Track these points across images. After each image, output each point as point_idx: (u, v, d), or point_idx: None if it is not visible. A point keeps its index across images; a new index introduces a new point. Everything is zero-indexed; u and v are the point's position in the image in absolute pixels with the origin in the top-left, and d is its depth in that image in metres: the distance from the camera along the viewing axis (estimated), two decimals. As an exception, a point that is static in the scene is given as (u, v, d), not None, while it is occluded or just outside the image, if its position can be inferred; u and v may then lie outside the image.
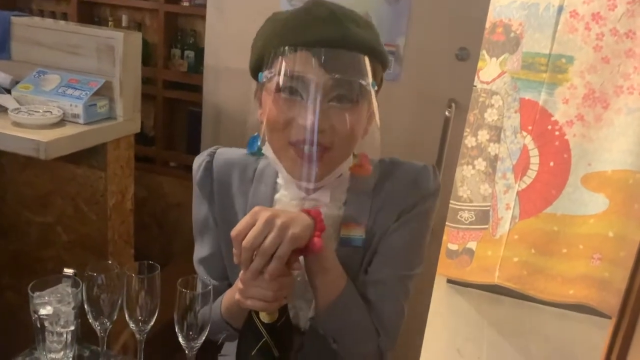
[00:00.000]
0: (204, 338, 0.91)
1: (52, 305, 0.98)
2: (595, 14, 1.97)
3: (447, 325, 2.47)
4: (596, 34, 1.99)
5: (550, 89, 2.10)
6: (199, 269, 0.98)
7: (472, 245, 2.37)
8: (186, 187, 2.46)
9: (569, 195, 2.18)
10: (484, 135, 2.20)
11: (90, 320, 0.96)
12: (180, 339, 0.91)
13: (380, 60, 0.80)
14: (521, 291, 2.40)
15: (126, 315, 0.95)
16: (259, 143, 0.84)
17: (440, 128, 1.72)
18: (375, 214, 0.86)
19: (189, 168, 2.50)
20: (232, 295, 0.84)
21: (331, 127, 0.75)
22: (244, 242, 0.68)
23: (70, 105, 1.49)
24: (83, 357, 1.02)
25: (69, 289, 0.97)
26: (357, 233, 0.86)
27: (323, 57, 0.72)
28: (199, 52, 2.33)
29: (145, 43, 2.35)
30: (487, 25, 1.91)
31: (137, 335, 0.95)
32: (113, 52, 1.54)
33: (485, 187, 2.26)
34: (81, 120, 1.49)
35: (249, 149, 0.85)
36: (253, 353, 0.72)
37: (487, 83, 2.15)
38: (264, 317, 0.72)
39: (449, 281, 2.57)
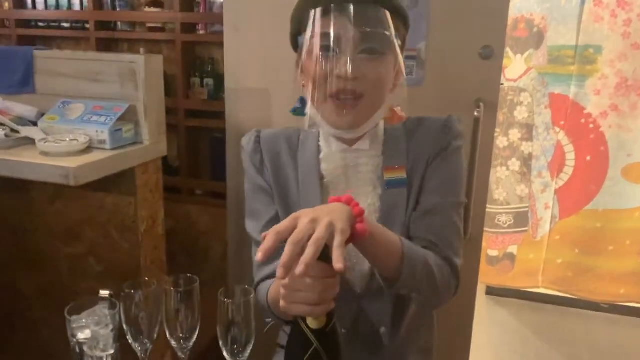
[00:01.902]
0: (249, 351, 0.87)
1: (90, 329, 0.94)
2: (620, 0, 1.91)
3: (490, 338, 2.38)
4: (623, 20, 1.93)
5: (580, 81, 2.03)
6: (255, 235, 1.04)
7: (512, 249, 2.28)
8: (213, 214, 2.47)
9: (610, 189, 2.09)
10: (515, 134, 2.13)
11: (130, 341, 0.93)
12: (225, 354, 0.87)
13: (402, 16, 0.93)
14: (568, 294, 2.29)
15: (167, 333, 0.91)
16: (300, 106, 0.96)
17: (471, 129, 1.67)
18: (412, 158, 0.98)
19: (215, 195, 2.49)
20: (277, 286, 0.85)
21: (363, 75, 0.88)
22: (291, 238, 0.65)
23: (96, 131, 1.49)
24: (125, 380, 0.97)
25: (106, 311, 0.94)
26: (399, 175, 0.97)
27: (351, 15, 0.84)
28: (218, 79, 2.34)
29: (164, 75, 2.38)
30: (509, 21, 1.87)
31: (180, 354, 0.91)
32: (135, 76, 1.55)
33: (521, 187, 2.18)
34: (108, 146, 1.49)
35: (293, 112, 0.97)
36: None
37: (514, 80, 2.09)
38: (311, 322, 0.70)
39: (488, 292, 2.49)
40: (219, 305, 0.84)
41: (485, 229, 2.01)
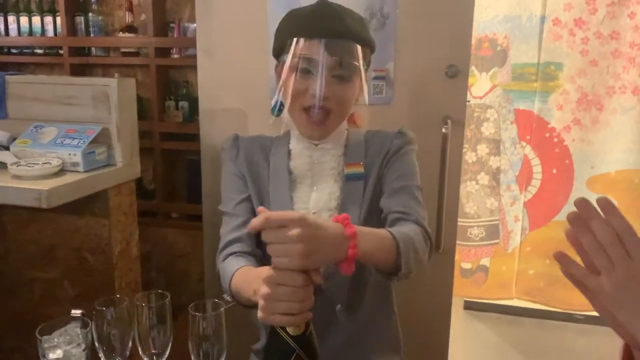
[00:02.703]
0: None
1: (62, 348, 0.95)
2: (577, 19, 2.00)
3: (468, 352, 2.40)
4: (581, 38, 2.02)
5: (543, 97, 2.11)
6: (228, 209, 1.14)
7: (485, 261, 2.33)
8: (190, 236, 2.47)
9: (576, 200, 2.16)
10: (483, 149, 2.20)
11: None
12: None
13: (369, 46, 1.09)
14: (541, 304, 2.33)
15: (139, 350, 0.92)
16: (278, 106, 1.11)
17: (440, 146, 1.72)
18: (369, 155, 1.13)
19: (191, 217, 2.49)
20: (247, 288, 0.88)
21: (332, 96, 1.04)
22: (272, 218, 0.72)
23: (69, 154, 1.50)
24: (97, 400, 0.98)
25: (78, 330, 0.94)
26: (357, 169, 1.12)
27: (328, 45, 1.00)
28: (193, 102, 2.36)
29: (139, 99, 2.39)
30: (473, 41, 1.94)
31: (152, 370, 0.91)
32: (108, 99, 1.57)
33: (491, 201, 2.24)
34: (81, 168, 1.50)
35: (272, 111, 1.13)
36: None
37: (480, 98, 2.16)
38: (292, 330, 0.72)
39: (466, 307, 2.52)
40: (190, 319, 0.85)
41: (458, 242, 2.05)
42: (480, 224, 2.28)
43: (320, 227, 0.75)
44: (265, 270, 0.74)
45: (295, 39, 1.02)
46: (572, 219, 0.66)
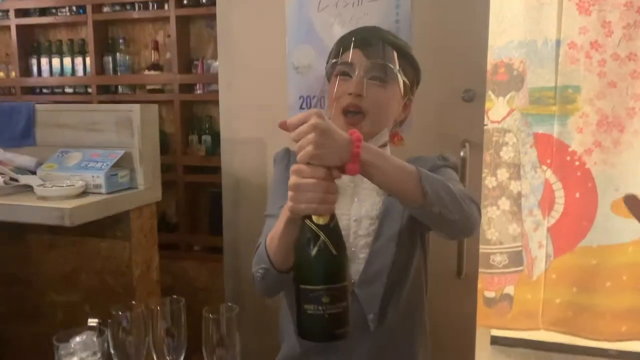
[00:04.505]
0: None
1: (78, 356, 0.95)
2: (593, 42, 2.02)
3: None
4: (598, 61, 2.02)
5: (563, 120, 2.11)
6: (272, 212, 1.14)
7: (509, 290, 2.27)
8: (211, 270, 2.47)
9: (601, 224, 2.12)
10: (503, 173, 2.18)
11: (117, 366, 0.93)
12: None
13: (409, 61, 1.14)
14: (570, 335, 2.26)
15: (154, 356, 0.92)
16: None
17: (459, 170, 1.72)
18: None
19: (213, 250, 2.50)
20: (277, 226, 0.97)
21: (368, 96, 1.07)
22: (293, 134, 0.83)
23: (92, 176, 1.54)
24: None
25: (95, 338, 0.95)
26: None
27: (364, 50, 1.09)
28: (215, 136, 2.41)
29: (163, 133, 2.45)
30: (489, 67, 1.97)
31: (166, 376, 0.91)
32: (131, 124, 1.61)
33: (513, 226, 2.21)
34: (103, 190, 1.53)
35: None
36: (313, 254, 0.79)
37: (498, 122, 2.17)
38: (318, 219, 0.81)
39: (493, 342, 2.45)
40: (204, 322, 0.85)
41: (481, 269, 2.02)
42: (503, 250, 2.24)
43: (331, 125, 0.84)
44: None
45: (338, 48, 1.12)
46: None
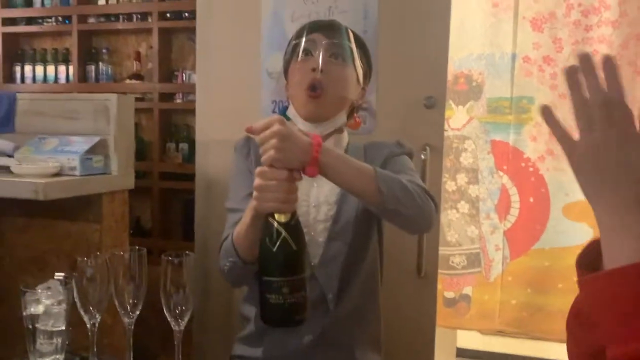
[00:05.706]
0: (189, 314, 0.95)
1: (43, 303, 1.02)
2: (545, 57, 2.17)
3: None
4: (550, 74, 2.17)
5: (518, 128, 2.24)
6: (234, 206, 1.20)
7: (468, 290, 2.37)
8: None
9: (553, 228, 2.24)
10: (462, 178, 2.30)
11: (81, 313, 1.00)
12: (168, 317, 0.95)
13: (364, 52, 1.23)
14: (524, 334, 2.35)
15: (116, 303, 0.99)
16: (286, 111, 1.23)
17: (420, 172, 1.82)
18: (368, 161, 1.13)
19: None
20: (243, 222, 1.05)
21: (329, 72, 1.15)
22: (257, 124, 0.93)
23: (68, 159, 1.62)
24: (73, 363, 1.04)
25: (61, 288, 1.02)
26: None
27: (323, 31, 1.18)
28: (193, 144, 2.50)
29: (141, 140, 2.53)
30: (450, 77, 2.10)
31: (126, 320, 0.98)
32: (108, 112, 1.70)
33: (471, 229, 2.32)
34: (77, 173, 1.61)
35: (279, 113, 1.27)
36: (275, 249, 0.87)
37: (458, 129, 2.30)
38: (280, 217, 0.89)
39: (459, 355, 2.54)
40: (162, 267, 0.93)
41: (441, 270, 2.11)
42: (462, 252, 2.35)
43: (292, 131, 0.92)
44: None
45: (301, 32, 1.21)
46: (569, 71, 0.61)
